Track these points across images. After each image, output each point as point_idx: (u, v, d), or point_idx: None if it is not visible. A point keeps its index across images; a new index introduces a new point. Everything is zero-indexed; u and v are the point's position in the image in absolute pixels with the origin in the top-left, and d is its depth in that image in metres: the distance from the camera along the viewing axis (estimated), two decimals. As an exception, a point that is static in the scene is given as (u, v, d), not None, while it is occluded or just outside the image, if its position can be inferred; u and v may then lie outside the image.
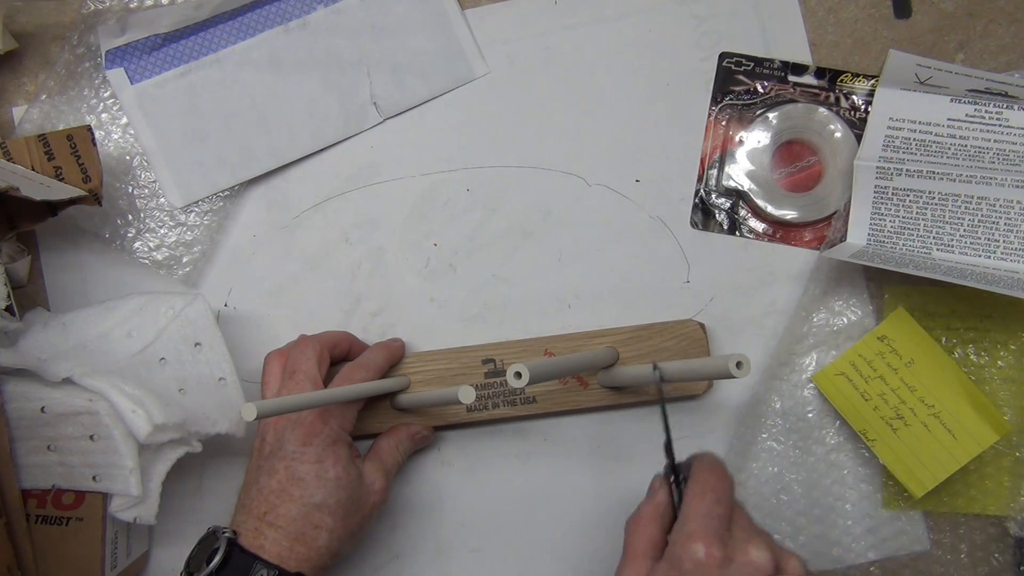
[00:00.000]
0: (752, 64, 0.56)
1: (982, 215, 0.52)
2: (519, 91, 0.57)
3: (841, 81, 0.56)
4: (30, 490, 0.49)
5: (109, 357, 0.50)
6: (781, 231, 0.56)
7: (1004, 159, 0.53)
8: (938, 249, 0.53)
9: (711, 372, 0.44)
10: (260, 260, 0.57)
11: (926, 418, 0.52)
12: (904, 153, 0.54)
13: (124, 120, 0.57)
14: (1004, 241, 0.52)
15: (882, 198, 0.53)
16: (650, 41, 0.57)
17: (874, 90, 0.55)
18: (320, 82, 0.57)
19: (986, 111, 0.53)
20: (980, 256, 0.52)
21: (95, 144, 0.52)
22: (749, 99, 0.56)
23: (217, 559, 0.44)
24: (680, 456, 0.45)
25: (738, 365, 0.39)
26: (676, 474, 0.44)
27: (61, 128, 0.55)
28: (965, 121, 0.53)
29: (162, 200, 0.57)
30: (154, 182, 0.57)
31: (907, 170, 0.53)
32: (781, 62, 0.56)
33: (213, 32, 0.57)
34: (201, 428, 0.49)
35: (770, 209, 0.55)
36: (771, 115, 0.56)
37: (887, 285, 0.55)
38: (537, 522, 0.55)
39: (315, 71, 0.57)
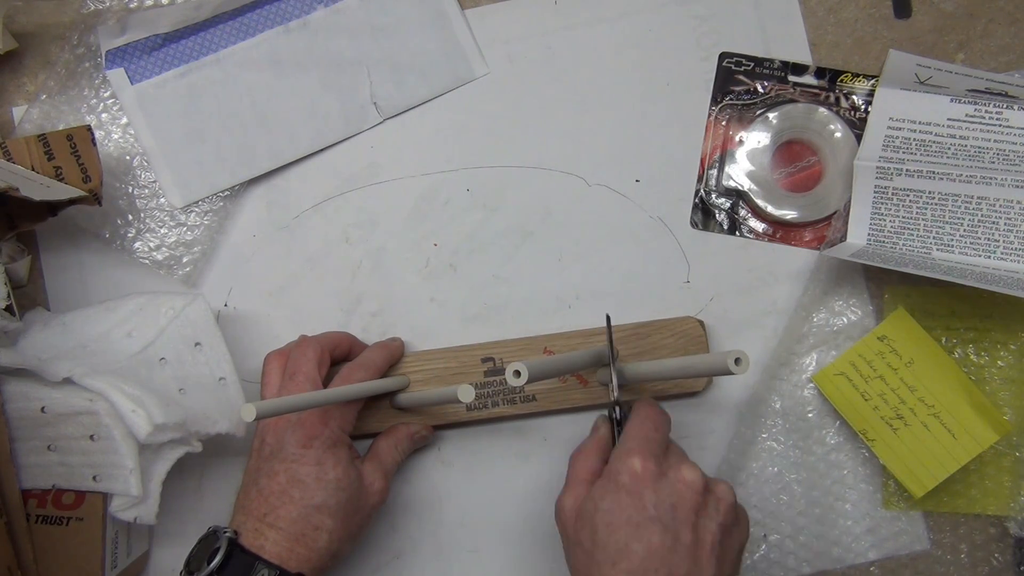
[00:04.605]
0: (752, 64, 0.56)
1: (982, 215, 0.52)
2: (519, 91, 0.57)
3: (841, 81, 0.56)
4: (30, 490, 0.49)
5: (109, 357, 0.50)
6: (781, 231, 0.56)
7: (1004, 159, 0.53)
8: (938, 249, 0.53)
9: (710, 369, 0.44)
10: (260, 260, 0.57)
11: (926, 418, 0.52)
12: (904, 153, 0.54)
13: (124, 120, 0.57)
14: (1004, 241, 0.52)
15: (882, 198, 0.53)
16: (650, 41, 0.57)
17: (874, 90, 0.55)
18: (320, 82, 0.57)
19: (986, 111, 0.53)
20: (980, 256, 0.52)
21: (95, 144, 0.52)
22: (749, 99, 0.56)
23: (218, 558, 0.44)
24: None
25: (736, 361, 0.39)
26: (619, 410, 0.48)
27: (61, 128, 0.55)
28: (965, 121, 0.53)
29: (162, 200, 0.57)
30: (154, 182, 0.57)
31: (907, 170, 0.53)
32: (781, 62, 0.56)
33: (213, 32, 0.57)
34: (201, 428, 0.49)
35: (770, 209, 0.55)
36: (771, 115, 0.56)
37: (887, 285, 0.55)
38: (537, 522, 0.55)
39: (315, 71, 0.57)
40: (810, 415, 0.54)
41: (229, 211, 0.57)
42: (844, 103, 0.56)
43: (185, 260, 0.56)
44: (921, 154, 0.53)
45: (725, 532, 0.43)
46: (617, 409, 0.48)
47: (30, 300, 0.57)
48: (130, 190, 0.57)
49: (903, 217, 0.53)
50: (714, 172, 0.56)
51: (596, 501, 0.43)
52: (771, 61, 0.56)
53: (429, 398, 0.51)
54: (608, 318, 0.51)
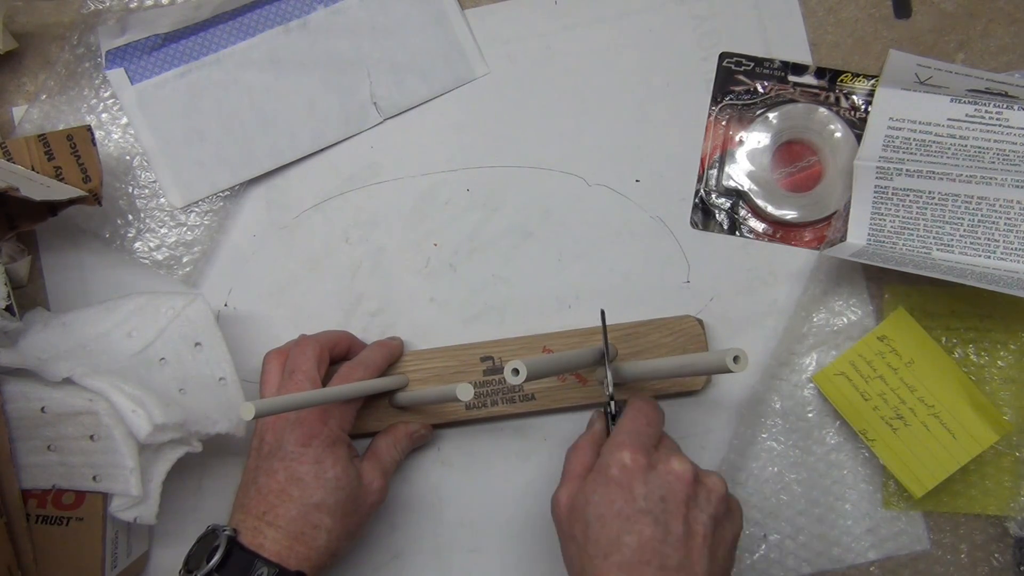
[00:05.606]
0: (752, 64, 0.56)
1: (982, 215, 0.52)
2: (519, 91, 0.57)
3: (841, 81, 0.56)
4: (30, 490, 0.49)
5: (109, 357, 0.50)
6: (781, 231, 0.56)
7: (1004, 159, 0.53)
8: (938, 249, 0.53)
9: (709, 367, 0.44)
10: (260, 260, 0.57)
11: (926, 418, 0.52)
12: (904, 153, 0.54)
13: (124, 120, 0.57)
14: (1004, 241, 0.52)
15: (882, 198, 0.53)
16: (650, 41, 0.57)
17: (874, 90, 0.55)
18: (320, 82, 0.57)
19: (986, 111, 0.53)
20: (980, 256, 0.52)
21: (95, 144, 0.52)
22: (749, 99, 0.56)
23: (217, 557, 0.44)
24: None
25: (735, 360, 0.39)
26: (614, 405, 0.48)
27: (61, 128, 0.55)
28: (965, 121, 0.53)
29: (162, 200, 0.57)
30: (154, 182, 0.57)
31: (907, 170, 0.53)
32: (781, 62, 0.56)
33: (213, 32, 0.57)
34: (201, 428, 0.49)
35: (770, 209, 0.55)
36: (771, 115, 0.56)
37: (887, 285, 0.55)
38: (537, 521, 0.55)
39: (315, 71, 0.57)
40: (810, 415, 0.54)
41: (229, 211, 0.57)
42: (844, 103, 0.56)
43: (185, 260, 0.56)
44: (921, 154, 0.53)
45: (717, 523, 0.43)
46: (612, 404, 0.48)
47: (30, 300, 0.57)
48: (130, 190, 0.57)
49: (903, 217, 0.53)
50: (714, 172, 0.56)
51: (587, 495, 0.43)
52: (771, 61, 0.56)
53: (428, 397, 0.51)
54: (603, 313, 0.50)
